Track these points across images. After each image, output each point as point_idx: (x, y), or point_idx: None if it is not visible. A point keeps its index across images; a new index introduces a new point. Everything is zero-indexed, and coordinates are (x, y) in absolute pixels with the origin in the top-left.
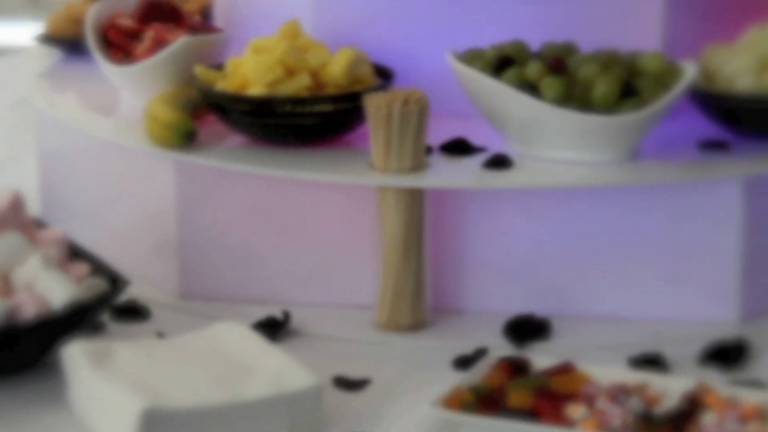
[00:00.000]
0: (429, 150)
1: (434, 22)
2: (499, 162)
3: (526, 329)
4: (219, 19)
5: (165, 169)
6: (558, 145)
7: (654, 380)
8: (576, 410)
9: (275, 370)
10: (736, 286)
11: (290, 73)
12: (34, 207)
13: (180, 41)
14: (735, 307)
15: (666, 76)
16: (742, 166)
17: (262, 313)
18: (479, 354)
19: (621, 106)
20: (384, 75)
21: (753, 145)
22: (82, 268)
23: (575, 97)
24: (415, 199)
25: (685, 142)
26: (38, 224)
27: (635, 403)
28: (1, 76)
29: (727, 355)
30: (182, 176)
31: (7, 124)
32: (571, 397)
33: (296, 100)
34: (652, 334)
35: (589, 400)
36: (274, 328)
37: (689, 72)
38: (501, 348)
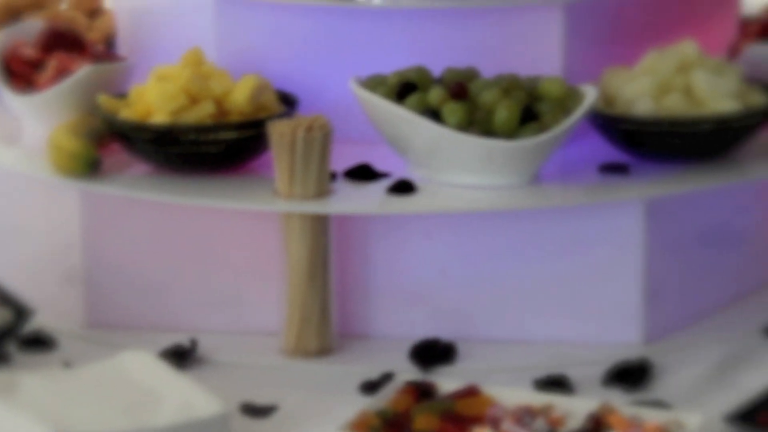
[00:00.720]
0: (333, 176)
1: (337, 48)
2: (403, 187)
3: (432, 353)
4: (122, 48)
5: (70, 198)
6: (461, 169)
7: (559, 402)
8: None
9: (182, 397)
10: (639, 307)
11: (194, 101)
12: None
13: (83, 70)
14: (638, 329)
15: (567, 101)
16: (643, 189)
17: (169, 341)
18: (385, 378)
19: (522, 131)
20: (288, 102)
21: (653, 167)
22: None
23: (477, 122)
24: (319, 225)
25: (586, 165)
26: None
27: (540, 425)
28: None
29: (630, 376)
30: (87, 205)
31: None
32: (476, 420)
33: (200, 128)
34: (556, 356)
35: (495, 423)
36: (181, 356)
37: (589, 96)
38: (407, 372)
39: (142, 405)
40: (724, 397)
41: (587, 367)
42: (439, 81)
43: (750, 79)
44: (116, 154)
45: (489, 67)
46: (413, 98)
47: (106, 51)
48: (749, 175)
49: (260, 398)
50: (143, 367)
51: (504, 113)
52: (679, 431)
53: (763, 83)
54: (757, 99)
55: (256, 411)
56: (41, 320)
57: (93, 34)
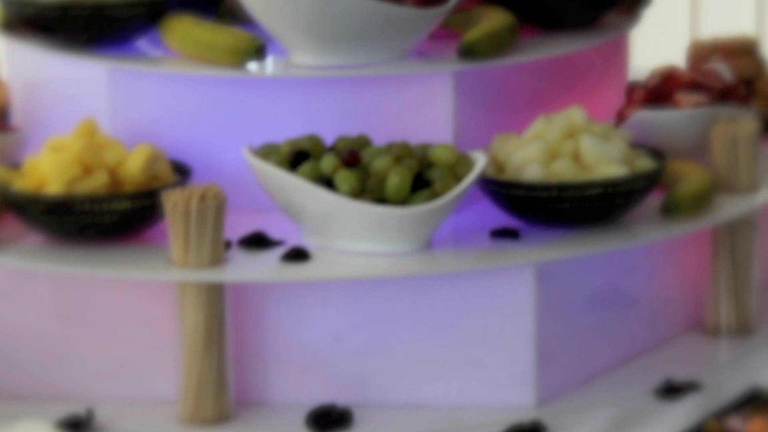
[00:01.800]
0: (228, 244)
1: (230, 118)
2: (297, 255)
3: (328, 419)
4: (16, 119)
5: None
6: (354, 236)
7: None
8: None
9: None
10: (531, 370)
11: (87, 171)
12: None
13: None
14: (530, 391)
15: (457, 167)
16: (533, 254)
17: (65, 410)
18: None
19: (414, 198)
20: (181, 171)
21: (543, 232)
22: None
23: (370, 189)
24: (215, 293)
25: (477, 231)
26: None
27: None
28: None
29: None
30: None
31: None
32: None
33: (94, 199)
34: (451, 420)
35: None
36: (77, 426)
37: (479, 162)
38: None
39: None
40: None
41: (482, 430)
42: (332, 149)
43: (637, 144)
44: (11, 225)
45: (381, 135)
46: (306, 166)
47: (0, 122)
48: (637, 239)
49: None
50: None
51: (396, 180)
52: None
53: (650, 148)
54: (643, 164)
55: None
56: None
57: None
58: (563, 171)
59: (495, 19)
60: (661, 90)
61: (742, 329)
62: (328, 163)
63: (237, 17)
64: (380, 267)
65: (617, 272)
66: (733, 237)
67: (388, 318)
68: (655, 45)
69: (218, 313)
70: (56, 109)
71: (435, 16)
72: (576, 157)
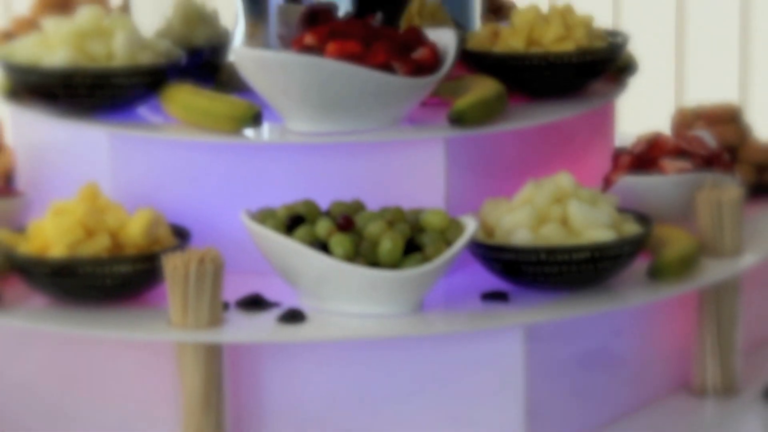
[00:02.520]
0: (226, 306)
1: (228, 183)
2: (293, 316)
3: None
4: (21, 183)
5: None
6: (348, 299)
7: None
8: None
9: None
10: (521, 429)
11: (90, 234)
12: None
13: None
14: None
15: (448, 232)
16: (522, 316)
17: None
18: None
19: (406, 262)
20: (181, 235)
21: (532, 295)
22: None
23: (363, 253)
24: (213, 353)
25: (468, 293)
26: None
27: None
28: None
29: None
30: None
31: None
32: None
33: (96, 262)
34: None
35: None
36: None
37: (470, 227)
38: None
39: None
40: None
41: None
42: (327, 214)
43: (623, 209)
44: (15, 287)
45: (374, 200)
46: (302, 230)
47: (5, 186)
48: (624, 302)
49: None
50: None
51: (388, 245)
52: None
53: (636, 213)
54: (630, 228)
55: None
56: None
57: None
58: (552, 235)
59: (484, 88)
60: (647, 156)
61: (728, 390)
62: (323, 227)
63: (234, 85)
64: (374, 328)
65: (605, 333)
66: (718, 300)
67: (382, 377)
68: (640, 112)
69: (216, 373)
70: (59, 174)
71: (426, 84)
72: (564, 222)
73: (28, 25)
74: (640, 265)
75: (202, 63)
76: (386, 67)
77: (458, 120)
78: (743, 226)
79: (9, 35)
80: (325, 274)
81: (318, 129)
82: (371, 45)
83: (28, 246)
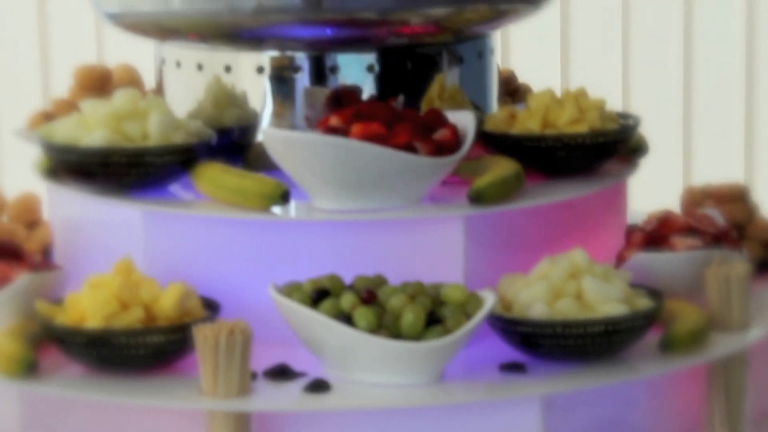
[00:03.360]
0: (254, 376)
1: (257, 258)
2: (319, 386)
3: None
4: (58, 257)
5: (8, 397)
6: (372, 369)
7: None
8: None
9: None
10: None
11: (124, 307)
12: None
13: (22, 279)
14: None
15: (468, 305)
16: (539, 386)
17: None
18: None
19: (427, 334)
20: (211, 307)
21: (548, 366)
22: None
23: (386, 325)
24: (242, 422)
25: (487, 364)
26: None
27: None
28: None
29: None
30: (25, 404)
31: None
32: None
33: (130, 333)
34: None
35: None
36: None
37: (488, 301)
38: None
39: None
40: None
41: None
42: (351, 288)
43: (636, 285)
44: (53, 356)
45: (396, 275)
46: (327, 304)
47: (44, 260)
48: (637, 374)
49: None
50: None
51: (410, 317)
52: None
53: (648, 288)
54: (642, 303)
55: None
56: None
57: (31, 245)
58: (567, 309)
59: (502, 167)
60: (658, 233)
61: None
62: (347, 300)
63: (262, 164)
64: (396, 398)
65: (619, 403)
66: (726, 372)
67: None
68: (651, 191)
69: None
70: (95, 249)
71: (447, 164)
72: (579, 297)
73: (67, 107)
74: (652, 338)
75: (231, 142)
76: (409, 147)
77: (477, 199)
78: (751, 301)
79: (49, 116)
80: (350, 346)
81: (343, 207)
82: (394, 126)
83: (65, 317)
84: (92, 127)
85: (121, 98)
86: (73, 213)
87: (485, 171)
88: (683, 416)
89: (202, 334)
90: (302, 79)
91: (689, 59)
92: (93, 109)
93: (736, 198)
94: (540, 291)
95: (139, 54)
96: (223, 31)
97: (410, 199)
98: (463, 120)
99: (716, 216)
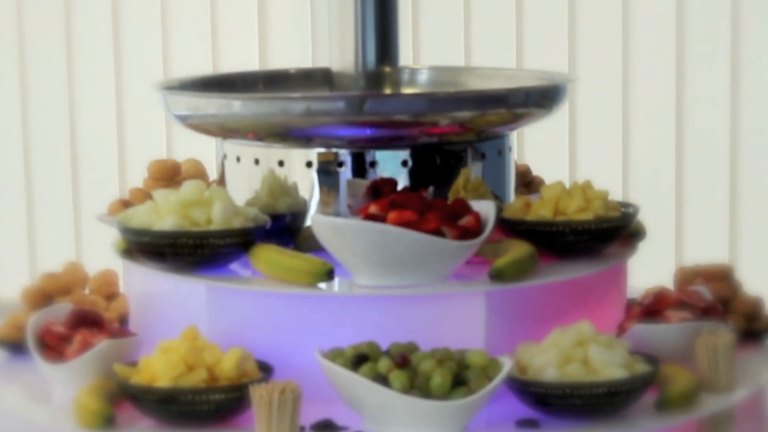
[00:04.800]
0: (303, 429)
1: (305, 327)
2: None
3: None
4: (133, 325)
5: None
6: (405, 425)
7: None
8: None
9: None
10: None
11: (190, 368)
12: None
13: (102, 344)
14: None
15: (489, 369)
16: None
17: None
18: None
19: (454, 394)
20: (265, 369)
21: (559, 422)
22: None
23: (417, 386)
24: None
25: (505, 420)
26: None
27: None
28: None
29: None
30: None
31: None
32: None
33: (195, 391)
34: None
35: None
36: None
37: (507, 365)
38: None
39: None
40: None
41: None
42: (387, 353)
43: (635, 352)
44: (128, 412)
45: (426, 342)
46: (366, 367)
47: (121, 328)
48: (636, 430)
49: None
50: None
51: (438, 379)
52: None
53: (646, 355)
54: (641, 368)
55: None
56: None
57: (110, 314)
58: (575, 373)
59: (519, 249)
60: (654, 307)
61: None
62: (383, 364)
63: (310, 246)
64: None
65: None
66: (715, 429)
67: None
68: (648, 270)
69: None
70: (165, 318)
71: (471, 247)
72: (585, 362)
73: (141, 196)
74: (649, 398)
75: (284, 227)
76: (438, 232)
77: (497, 277)
78: (735, 366)
79: (126, 203)
80: (386, 404)
81: (380, 283)
82: (425, 214)
83: (138, 378)
84: (163, 214)
85: (188, 188)
86: (147, 287)
87: (504, 252)
88: None
89: (258, 393)
90: (345, 173)
91: (680, 160)
92: (164, 197)
93: (721, 276)
94: (551, 357)
95: (204, 150)
96: (277, 131)
97: (439, 277)
98: (485, 208)
99: (704, 292)
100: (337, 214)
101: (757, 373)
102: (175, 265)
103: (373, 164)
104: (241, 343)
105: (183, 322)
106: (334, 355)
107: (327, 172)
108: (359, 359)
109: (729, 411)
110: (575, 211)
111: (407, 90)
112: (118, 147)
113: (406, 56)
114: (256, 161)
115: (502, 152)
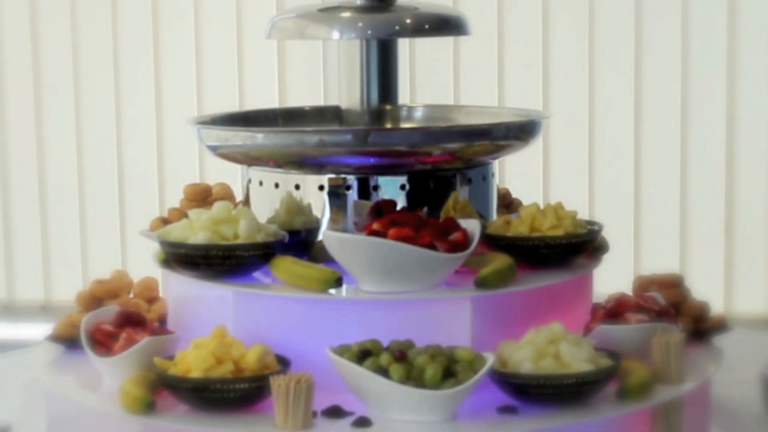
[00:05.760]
0: (315, 414)
1: (317, 326)
2: (363, 422)
3: None
4: (171, 324)
5: (132, 429)
6: (402, 410)
7: None
8: None
9: None
10: None
11: (219, 362)
12: None
13: (144, 341)
14: None
15: (474, 363)
16: (527, 424)
17: None
18: None
19: (444, 384)
20: (283, 363)
21: (534, 409)
22: None
23: (413, 377)
24: None
25: (488, 407)
26: None
27: None
28: (20, 361)
29: None
30: None
31: (23, 396)
32: None
33: (223, 381)
34: None
35: None
36: None
37: (490, 360)
38: None
39: None
40: None
41: None
42: (387, 349)
43: (599, 348)
44: (166, 398)
45: (421, 340)
46: (369, 361)
47: (160, 327)
48: (600, 415)
49: None
50: None
51: (431, 372)
52: None
53: (609, 351)
54: (605, 362)
55: None
56: None
57: (151, 315)
58: (548, 367)
59: (500, 261)
60: (616, 310)
61: None
62: (384, 358)
63: (322, 257)
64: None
65: None
66: (667, 414)
67: None
68: (610, 278)
69: None
70: (198, 319)
71: (459, 259)
72: (557, 357)
73: (178, 214)
74: (611, 388)
75: (299, 241)
76: (431, 246)
77: (482, 284)
78: (685, 361)
79: (165, 221)
80: (386, 393)
81: (382, 289)
82: (420, 230)
83: (175, 369)
84: (196, 230)
85: (218, 208)
86: (182, 292)
87: (487, 263)
88: None
89: (277, 383)
90: (352, 195)
91: (638, 185)
92: (197, 216)
93: (673, 284)
94: (528, 353)
95: (232, 175)
96: (294, 160)
97: (432, 284)
98: (471, 226)
99: (659, 298)
100: (345, 230)
101: (704, 367)
102: (206, 274)
103: (375, 188)
104: (263, 339)
105: (213, 322)
106: (342, 350)
107: (336, 194)
108: (363, 354)
109: (679, 400)
110: (548, 228)
111: (405, 125)
112: (158, 172)
113: (404, 96)
114: (276, 185)
115: (486, 178)
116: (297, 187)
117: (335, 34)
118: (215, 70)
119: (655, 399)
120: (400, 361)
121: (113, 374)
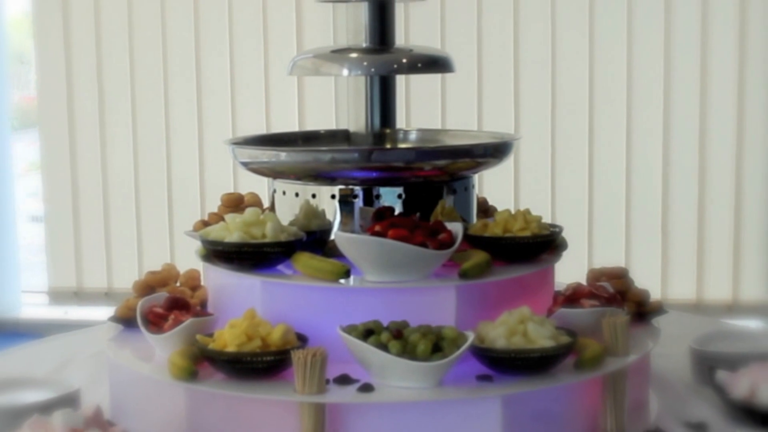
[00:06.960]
0: (327, 381)
1: (330, 310)
2: (367, 388)
3: None
4: (211, 308)
5: (178, 393)
6: (399, 378)
7: None
8: None
9: None
10: None
11: (250, 338)
12: (107, 413)
13: (188, 321)
14: None
15: (458, 340)
16: (500, 390)
17: None
18: None
19: (433, 357)
20: (302, 339)
21: (507, 378)
22: None
23: (408, 351)
24: (319, 410)
25: (468, 376)
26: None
27: None
28: (88, 338)
29: None
30: (190, 398)
31: (90, 366)
32: None
33: (253, 354)
34: None
35: None
36: None
37: (471, 338)
38: None
39: None
40: None
41: None
42: (386, 328)
43: (560, 328)
44: (206, 368)
45: (414, 321)
46: (372, 338)
47: (202, 310)
48: (561, 382)
49: None
50: None
51: (422, 347)
52: None
53: (568, 330)
54: (564, 339)
55: None
56: None
57: (194, 301)
58: (518, 342)
59: (479, 256)
60: (573, 297)
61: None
62: (384, 336)
63: (334, 254)
64: (414, 395)
65: (549, 400)
66: (614, 381)
67: (417, 424)
68: (568, 271)
69: (321, 421)
70: (232, 303)
71: (445, 255)
72: (525, 335)
73: (216, 218)
74: (570, 361)
75: (315, 240)
76: (423, 244)
77: (464, 275)
78: (629, 339)
79: (206, 223)
80: (386, 364)
81: (382, 279)
82: (414, 231)
83: (214, 345)
84: (231, 231)
85: (249, 213)
86: (219, 281)
87: (469, 259)
88: (588, 408)
89: (297, 356)
90: (358, 202)
91: (591, 194)
92: (232, 219)
93: (620, 276)
94: (502, 331)
95: (261, 186)
96: (311, 174)
97: (423, 275)
98: (456, 228)
99: (608, 287)
100: (353, 231)
101: (644, 343)
102: (239, 266)
103: (377, 197)
104: (285, 320)
105: (244, 306)
106: (350, 329)
107: (346, 202)
108: (367, 332)
109: (624, 369)
110: (518, 230)
111: (402, 145)
112: (200, 184)
113: (401, 121)
114: (296, 194)
115: (467, 189)
116: (313, 196)
117: (345, 71)
118: (247, 100)
119: (606, 369)
120: (397, 338)
121: (163, 348)
